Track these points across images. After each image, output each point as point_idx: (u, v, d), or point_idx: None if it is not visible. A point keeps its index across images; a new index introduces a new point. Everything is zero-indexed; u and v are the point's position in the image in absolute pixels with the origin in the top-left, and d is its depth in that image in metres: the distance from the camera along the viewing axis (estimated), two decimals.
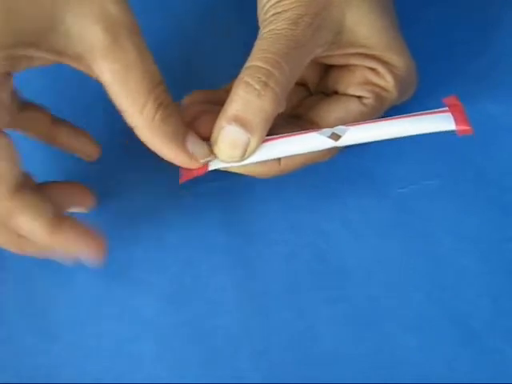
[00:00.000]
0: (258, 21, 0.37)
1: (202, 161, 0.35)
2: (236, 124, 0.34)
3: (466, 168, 0.41)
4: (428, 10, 0.45)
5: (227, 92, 0.35)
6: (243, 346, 0.39)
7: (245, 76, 0.34)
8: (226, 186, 0.41)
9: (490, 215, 0.40)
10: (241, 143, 0.34)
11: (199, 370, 0.38)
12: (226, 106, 0.34)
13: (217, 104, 0.36)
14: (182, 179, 0.36)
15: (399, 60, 0.37)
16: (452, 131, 0.34)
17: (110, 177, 0.42)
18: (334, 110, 0.38)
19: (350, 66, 0.38)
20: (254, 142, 0.34)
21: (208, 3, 0.46)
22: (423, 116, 0.34)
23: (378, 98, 0.37)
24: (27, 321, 0.39)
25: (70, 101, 0.43)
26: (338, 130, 0.35)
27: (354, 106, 0.37)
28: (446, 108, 0.34)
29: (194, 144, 0.34)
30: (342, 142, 0.35)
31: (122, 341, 0.39)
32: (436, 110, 0.34)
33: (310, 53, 0.35)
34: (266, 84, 0.33)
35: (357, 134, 0.34)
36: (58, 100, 0.43)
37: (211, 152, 0.35)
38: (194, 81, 0.43)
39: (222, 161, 0.35)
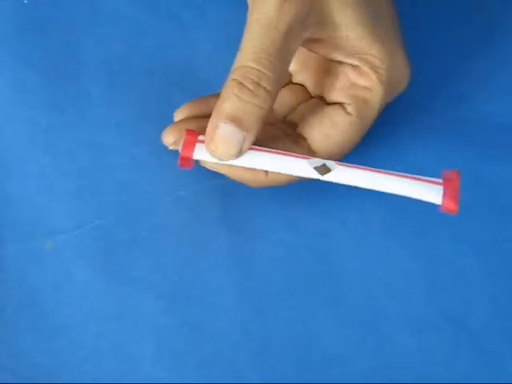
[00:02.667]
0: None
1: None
2: (232, 123, 0.34)
3: (464, 167, 0.41)
4: (426, 10, 0.45)
5: (218, 97, 0.36)
6: (242, 345, 0.39)
7: (237, 77, 0.34)
8: (225, 185, 0.41)
9: (489, 215, 0.40)
10: (237, 141, 0.34)
11: (198, 370, 0.38)
12: (219, 105, 0.35)
13: (207, 113, 0.36)
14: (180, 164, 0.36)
15: (385, 56, 0.36)
16: (437, 205, 0.34)
17: (112, 174, 0.42)
18: (321, 125, 0.37)
19: (334, 66, 0.38)
20: (248, 139, 0.35)
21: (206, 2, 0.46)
22: (414, 181, 0.34)
23: (362, 101, 0.37)
24: (26, 321, 0.39)
25: None
26: (328, 163, 0.35)
27: (339, 118, 0.37)
28: (441, 180, 0.34)
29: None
30: (326, 178, 0.35)
31: (121, 341, 0.39)
32: (431, 179, 0.34)
33: (296, 39, 0.35)
34: (258, 84, 0.34)
35: (343, 176, 0.35)
36: None
37: None
38: (193, 81, 0.44)
39: (218, 158, 0.35)
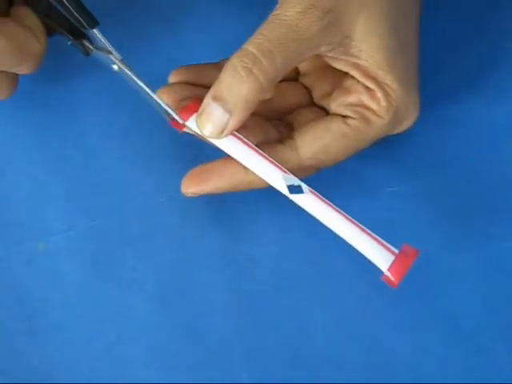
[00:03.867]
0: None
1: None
2: (219, 103, 0.35)
3: (456, 167, 0.41)
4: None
5: (216, 68, 0.37)
6: (234, 346, 0.39)
7: (234, 58, 0.35)
8: None
9: (481, 214, 0.40)
10: (220, 122, 0.35)
11: (190, 371, 0.38)
12: (215, 82, 0.35)
13: (202, 81, 0.38)
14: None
15: (399, 87, 0.36)
16: (380, 271, 0.34)
17: (103, 175, 0.42)
18: (315, 127, 0.37)
19: (348, 82, 0.37)
20: (232, 122, 0.35)
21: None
22: (371, 239, 0.35)
23: (365, 120, 0.36)
24: (19, 322, 0.39)
25: None
26: (302, 185, 0.36)
27: (336, 126, 0.37)
28: (397, 252, 0.34)
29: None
30: (293, 198, 0.36)
31: (113, 342, 0.39)
32: (387, 245, 0.35)
33: (310, 48, 0.35)
34: (250, 71, 0.34)
35: (309, 204, 0.36)
36: None
37: None
38: None
39: (203, 134, 0.36)
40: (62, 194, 0.41)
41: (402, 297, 0.39)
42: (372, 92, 0.36)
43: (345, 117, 0.37)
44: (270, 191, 0.41)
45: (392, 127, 0.37)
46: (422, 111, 0.38)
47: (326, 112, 0.39)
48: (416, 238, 0.40)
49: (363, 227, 0.35)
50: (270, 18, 0.35)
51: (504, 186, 0.41)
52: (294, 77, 0.41)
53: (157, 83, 0.37)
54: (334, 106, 0.38)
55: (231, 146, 0.36)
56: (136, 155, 0.42)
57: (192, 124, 0.37)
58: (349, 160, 0.41)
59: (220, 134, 0.36)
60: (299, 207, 0.36)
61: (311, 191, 0.36)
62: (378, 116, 0.36)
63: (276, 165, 0.36)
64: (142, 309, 0.39)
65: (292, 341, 0.39)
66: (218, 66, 0.37)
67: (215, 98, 0.35)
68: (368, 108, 0.36)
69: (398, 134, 0.39)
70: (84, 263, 0.40)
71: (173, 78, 0.39)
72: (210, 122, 0.35)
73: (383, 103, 0.36)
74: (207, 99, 0.35)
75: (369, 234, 0.35)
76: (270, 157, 0.36)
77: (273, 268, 0.40)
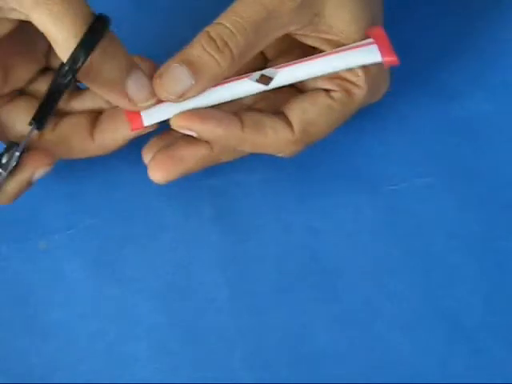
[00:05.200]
0: None
1: (141, 104, 0.35)
2: (187, 67, 0.34)
3: (458, 166, 0.41)
4: (416, 9, 0.44)
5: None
6: (236, 345, 0.39)
7: (210, 30, 0.35)
8: (219, 184, 0.41)
9: (482, 213, 0.40)
10: (183, 84, 0.35)
11: (192, 370, 0.38)
12: (183, 50, 0.35)
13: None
14: (132, 127, 0.36)
15: None
16: (379, 63, 0.35)
17: (101, 176, 0.42)
18: (302, 101, 0.37)
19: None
20: (194, 89, 0.35)
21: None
22: (350, 50, 0.35)
23: (347, 92, 0.37)
24: (20, 321, 0.39)
25: None
26: (267, 72, 0.35)
27: (321, 99, 0.37)
28: (371, 40, 0.35)
29: (136, 84, 0.35)
30: (273, 85, 0.35)
31: (114, 341, 0.39)
32: (361, 43, 0.35)
33: (282, 27, 0.35)
34: (226, 44, 0.34)
35: (288, 75, 0.35)
36: None
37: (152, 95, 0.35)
38: None
39: (160, 95, 0.35)
40: (63, 192, 0.41)
41: (403, 296, 0.39)
42: None
43: (327, 90, 0.37)
44: (272, 188, 0.41)
45: (371, 96, 0.38)
46: (425, 110, 0.38)
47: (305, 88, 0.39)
48: (417, 237, 0.40)
49: (334, 50, 0.35)
50: None
51: (505, 184, 0.41)
52: (261, 65, 0.40)
53: None
54: (313, 83, 0.38)
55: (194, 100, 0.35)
56: (137, 154, 0.42)
57: (149, 119, 0.36)
58: (349, 157, 0.41)
59: (178, 98, 0.35)
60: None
61: (277, 68, 0.35)
62: (358, 86, 0.36)
63: (236, 79, 0.36)
64: (143, 308, 0.39)
65: (293, 341, 0.39)
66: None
67: (183, 61, 0.34)
68: (347, 80, 0.36)
69: (399, 130, 0.39)
70: (85, 262, 0.40)
71: (147, 157, 0.38)
72: (172, 82, 0.35)
73: (360, 74, 0.36)
74: (172, 62, 0.35)
75: (345, 50, 0.35)
76: (267, 127, 0.36)
77: (274, 267, 0.40)
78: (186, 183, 0.41)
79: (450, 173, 0.41)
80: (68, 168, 0.41)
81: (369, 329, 0.39)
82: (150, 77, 0.35)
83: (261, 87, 0.35)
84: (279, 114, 0.37)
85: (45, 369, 0.38)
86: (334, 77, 0.37)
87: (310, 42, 0.37)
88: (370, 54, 0.35)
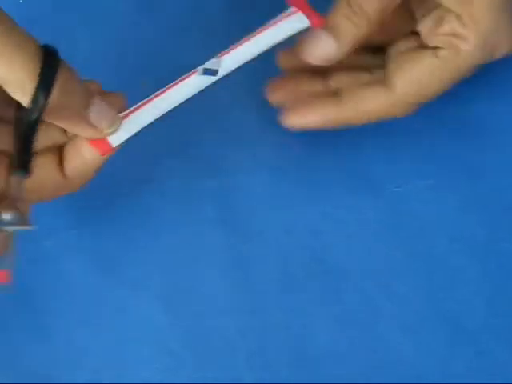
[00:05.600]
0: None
1: (106, 131, 0.34)
2: (328, 32, 0.37)
3: (460, 168, 0.41)
4: None
5: None
6: (239, 346, 0.39)
7: None
8: (222, 185, 0.41)
9: (485, 215, 0.40)
10: (327, 48, 0.37)
11: (193, 370, 0.38)
12: (329, 14, 0.37)
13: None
14: (101, 152, 0.35)
15: (487, 9, 0.36)
16: (308, 28, 0.36)
17: (105, 176, 0.42)
18: (408, 60, 0.38)
19: (438, 15, 0.37)
20: (338, 52, 0.37)
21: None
22: (281, 23, 0.36)
23: (454, 49, 0.36)
24: (23, 321, 0.39)
25: None
26: (209, 64, 0.36)
27: (426, 60, 0.37)
28: (294, 9, 0.36)
29: (98, 113, 0.34)
30: (221, 73, 0.36)
31: (117, 341, 0.39)
32: (287, 14, 0.36)
33: None
34: (361, 7, 0.36)
35: (229, 63, 0.36)
36: None
37: (117, 118, 0.34)
38: None
39: (306, 59, 0.37)
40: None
41: (405, 297, 0.39)
42: (461, 18, 0.36)
43: (435, 48, 0.37)
44: (275, 189, 0.41)
45: (482, 55, 0.37)
46: (428, 111, 0.38)
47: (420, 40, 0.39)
48: (420, 239, 0.40)
49: (265, 26, 0.36)
50: None
51: (509, 186, 0.41)
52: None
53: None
54: (427, 36, 0.38)
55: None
56: (140, 154, 0.42)
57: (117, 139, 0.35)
58: (353, 159, 0.41)
59: (324, 62, 0.37)
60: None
61: (220, 56, 0.36)
62: (467, 41, 0.36)
63: (185, 77, 0.36)
64: (146, 308, 0.39)
65: (295, 341, 0.39)
66: None
67: (327, 28, 0.36)
68: (457, 35, 0.36)
69: (402, 132, 0.38)
70: (88, 262, 0.40)
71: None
72: (317, 49, 0.37)
73: (471, 27, 0.36)
74: (314, 30, 0.36)
75: (277, 22, 0.36)
76: (364, 95, 0.38)
77: (277, 268, 0.40)
78: (190, 183, 0.41)
79: (453, 175, 0.41)
80: None
81: (371, 330, 0.39)
82: (122, 109, 0.35)
83: (211, 79, 0.36)
84: (379, 74, 0.38)
85: (46, 369, 0.38)
86: (446, 33, 0.37)
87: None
88: (299, 22, 0.36)
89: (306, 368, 0.38)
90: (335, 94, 0.39)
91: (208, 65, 0.36)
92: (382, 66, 0.39)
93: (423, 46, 0.38)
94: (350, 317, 0.39)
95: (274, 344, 0.39)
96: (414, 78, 0.37)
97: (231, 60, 0.36)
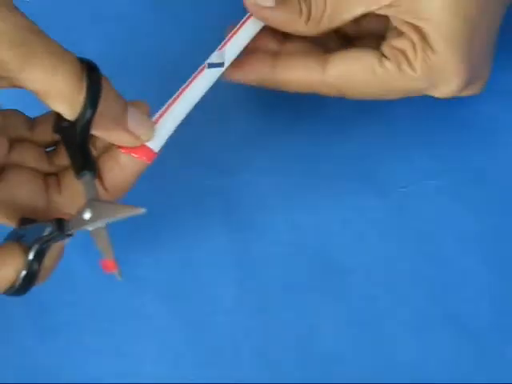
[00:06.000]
0: None
1: (144, 137, 0.34)
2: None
3: (467, 168, 0.41)
4: None
5: None
6: (243, 345, 0.39)
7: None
8: (228, 184, 0.41)
9: (491, 215, 0.40)
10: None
11: (199, 370, 0.38)
12: None
13: None
14: (146, 160, 0.35)
15: (442, 47, 0.36)
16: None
17: None
18: (349, 53, 0.37)
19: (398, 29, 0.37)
20: (274, 11, 0.37)
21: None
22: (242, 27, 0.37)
23: (398, 66, 0.36)
24: (29, 320, 0.39)
25: None
26: (213, 58, 0.36)
27: (368, 58, 0.37)
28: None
29: (135, 120, 0.34)
30: (227, 64, 0.37)
31: (122, 340, 0.39)
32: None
33: (364, 6, 0.36)
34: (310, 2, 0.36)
35: (233, 48, 0.37)
36: None
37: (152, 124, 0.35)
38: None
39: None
40: None
41: (411, 297, 0.39)
42: (414, 44, 0.36)
43: (383, 56, 0.37)
44: (281, 189, 0.41)
45: (424, 86, 0.37)
46: (435, 111, 0.38)
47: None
48: (427, 238, 0.40)
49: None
50: None
51: None
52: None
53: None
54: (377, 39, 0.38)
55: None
56: None
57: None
58: (359, 159, 0.41)
59: (253, 6, 0.37)
60: None
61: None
62: (411, 66, 0.36)
63: (195, 76, 0.36)
64: (151, 307, 0.39)
65: (301, 340, 0.39)
66: None
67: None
68: (405, 55, 0.36)
69: (409, 132, 0.38)
70: (94, 261, 0.40)
71: None
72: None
73: (419, 56, 0.36)
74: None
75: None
76: (299, 65, 0.38)
77: (282, 267, 0.40)
78: (194, 183, 0.41)
79: (460, 175, 0.41)
80: None
81: (377, 330, 0.39)
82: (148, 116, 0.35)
83: (220, 70, 0.36)
84: (324, 54, 0.38)
85: (52, 368, 0.38)
86: (396, 47, 0.37)
87: (397, 24, 0.37)
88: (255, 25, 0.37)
89: (312, 368, 0.38)
90: (274, 56, 0.39)
91: (212, 59, 0.36)
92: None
93: (375, 48, 0.38)
94: (355, 317, 0.39)
95: (279, 343, 0.39)
96: (351, 70, 0.37)
97: (233, 48, 0.37)
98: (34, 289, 0.39)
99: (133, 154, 0.35)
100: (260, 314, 0.39)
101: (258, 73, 0.38)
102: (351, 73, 0.37)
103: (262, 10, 0.37)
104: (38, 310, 0.39)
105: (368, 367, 0.38)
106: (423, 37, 0.36)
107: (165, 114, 0.35)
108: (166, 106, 0.35)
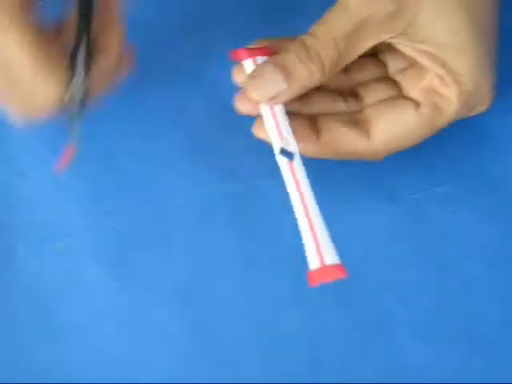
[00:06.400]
0: None
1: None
2: (280, 71, 0.35)
3: (478, 174, 0.41)
4: None
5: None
6: (252, 350, 0.39)
7: (304, 40, 0.36)
8: (236, 189, 0.41)
9: (501, 222, 0.40)
10: (276, 87, 0.36)
11: (208, 374, 0.38)
12: (277, 55, 0.36)
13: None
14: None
15: (469, 72, 0.36)
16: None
17: (120, 179, 0.42)
18: (390, 113, 0.37)
19: (421, 64, 0.37)
20: (286, 93, 0.36)
21: None
22: (313, 240, 0.36)
23: (437, 108, 0.37)
24: (37, 322, 0.39)
25: None
26: (296, 155, 0.36)
27: (410, 116, 0.37)
28: (327, 263, 0.35)
29: None
30: (278, 159, 0.37)
31: (131, 343, 0.39)
32: (323, 251, 0.36)
33: (373, 37, 0.36)
34: (318, 54, 0.35)
35: (287, 170, 0.37)
36: None
37: None
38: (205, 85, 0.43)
39: (250, 95, 0.36)
40: (83, 194, 0.41)
41: (421, 303, 0.39)
42: (442, 77, 0.36)
43: (416, 102, 0.37)
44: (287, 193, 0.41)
45: (464, 112, 0.37)
46: None
47: (398, 88, 0.39)
48: (436, 245, 0.40)
49: (317, 223, 0.36)
50: (336, 5, 0.36)
51: None
52: (372, 52, 0.40)
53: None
54: (408, 87, 0.38)
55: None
56: (156, 157, 0.42)
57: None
58: (369, 165, 0.41)
59: (269, 100, 0.36)
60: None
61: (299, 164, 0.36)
62: (449, 103, 0.36)
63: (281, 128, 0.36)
64: (159, 311, 0.39)
65: (309, 345, 0.39)
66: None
67: (277, 66, 0.35)
68: (439, 94, 0.36)
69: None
70: (103, 264, 0.40)
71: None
72: (266, 85, 0.36)
73: (454, 89, 0.36)
74: (266, 65, 0.36)
75: (315, 233, 0.35)
76: (344, 139, 0.37)
77: (291, 273, 0.40)
78: (204, 187, 0.41)
79: (469, 182, 0.41)
80: (87, 170, 0.42)
81: (384, 336, 0.39)
82: None
83: (294, 154, 0.36)
84: (360, 122, 0.38)
85: (60, 371, 0.38)
86: (429, 89, 0.37)
87: (407, 51, 0.37)
88: (311, 259, 0.35)
89: (319, 371, 0.38)
90: (313, 126, 0.38)
91: (295, 153, 0.36)
92: (355, 92, 0.39)
93: (403, 97, 0.38)
94: (363, 322, 0.39)
95: (287, 348, 0.39)
96: (396, 133, 0.37)
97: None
98: (41, 291, 0.40)
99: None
100: (268, 319, 0.39)
101: (302, 148, 0.37)
102: (399, 134, 0.37)
103: (279, 98, 0.36)
104: (45, 311, 0.39)
105: (375, 372, 0.38)
106: (443, 65, 0.36)
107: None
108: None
